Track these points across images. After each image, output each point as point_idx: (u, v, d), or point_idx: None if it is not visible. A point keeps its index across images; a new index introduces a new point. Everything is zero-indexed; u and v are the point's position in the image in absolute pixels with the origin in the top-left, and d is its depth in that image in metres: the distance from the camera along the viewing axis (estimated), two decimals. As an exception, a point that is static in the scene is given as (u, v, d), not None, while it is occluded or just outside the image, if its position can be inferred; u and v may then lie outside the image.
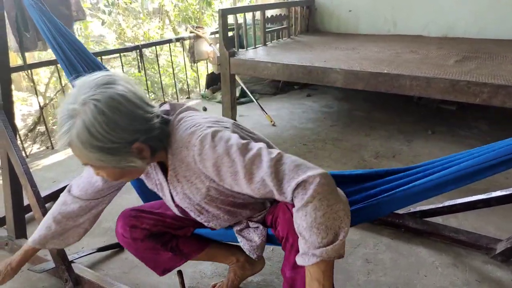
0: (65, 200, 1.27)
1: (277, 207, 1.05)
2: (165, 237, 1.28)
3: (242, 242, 1.17)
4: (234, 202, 1.08)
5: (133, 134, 0.92)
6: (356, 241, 1.81)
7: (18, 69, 2.65)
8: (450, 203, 1.81)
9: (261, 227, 1.14)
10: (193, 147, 0.95)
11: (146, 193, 1.37)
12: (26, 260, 1.34)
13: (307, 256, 0.86)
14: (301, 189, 0.85)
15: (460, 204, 1.78)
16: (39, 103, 3.14)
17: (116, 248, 1.79)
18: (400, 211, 1.90)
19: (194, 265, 1.67)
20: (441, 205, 1.83)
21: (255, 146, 0.93)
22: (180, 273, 1.43)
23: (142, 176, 1.18)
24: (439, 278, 1.60)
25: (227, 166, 0.91)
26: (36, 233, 1.30)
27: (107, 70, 1.75)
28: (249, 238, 1.15)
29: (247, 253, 1.16)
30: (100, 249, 1.75)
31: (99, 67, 1.61)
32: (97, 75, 0.93)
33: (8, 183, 1.71)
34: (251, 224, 1.16)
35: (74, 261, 1.60)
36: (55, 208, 1.28)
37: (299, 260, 0.89)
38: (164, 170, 1.09)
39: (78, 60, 1.55)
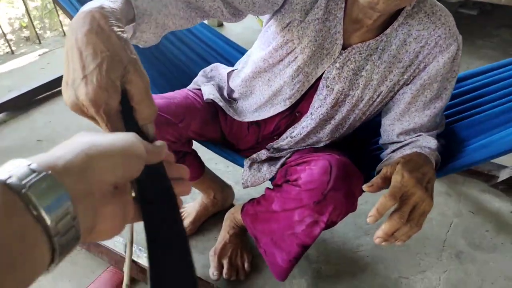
0: None
1: (316, 157, 0.87)
2: (177, 154, 1.06)
3: (245, 172, 1.00)
4: (365, 119, 0.95)
5: None
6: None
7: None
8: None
9: (278, 165, 0.98)
10: (457, 41, 0.82)
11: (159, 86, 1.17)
12: None
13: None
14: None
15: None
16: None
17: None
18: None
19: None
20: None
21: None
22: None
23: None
24: (428, 208, 1.41)
25: (449, 84, 0.86)
26: None
27: None
28: (259, 171, 1.00)
29: (242, 181, 1.00)
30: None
31: None
32: None
33: None
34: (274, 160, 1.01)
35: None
36: None
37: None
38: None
39: None
